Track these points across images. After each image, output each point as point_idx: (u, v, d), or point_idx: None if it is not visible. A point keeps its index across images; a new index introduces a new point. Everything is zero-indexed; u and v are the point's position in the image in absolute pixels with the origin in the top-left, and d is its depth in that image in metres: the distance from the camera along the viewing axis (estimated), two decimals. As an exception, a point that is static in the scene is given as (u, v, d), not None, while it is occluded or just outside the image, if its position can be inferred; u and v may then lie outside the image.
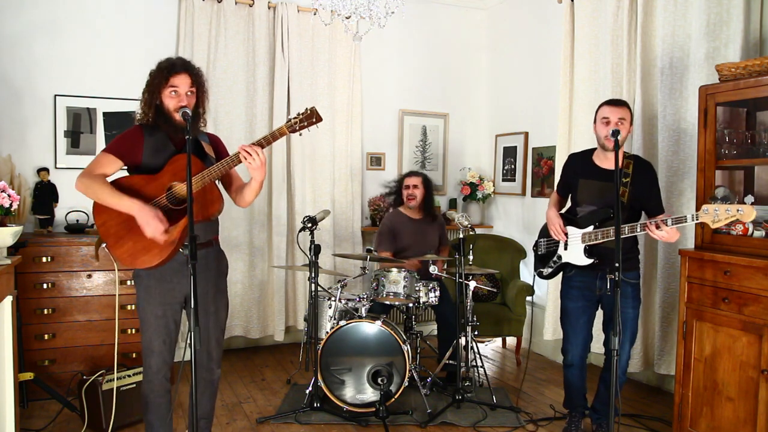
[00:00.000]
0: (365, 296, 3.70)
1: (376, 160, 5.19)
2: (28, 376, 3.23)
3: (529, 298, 4.54)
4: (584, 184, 3.09)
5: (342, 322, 3.45)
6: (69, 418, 3.37)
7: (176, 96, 2.35)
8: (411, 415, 3.45)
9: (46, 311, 3.63)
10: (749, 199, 2.65)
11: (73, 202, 3.97)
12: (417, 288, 3.70)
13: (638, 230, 2.77)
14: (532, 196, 4.96)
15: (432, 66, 5.35)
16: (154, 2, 4.34)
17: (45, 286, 3.63)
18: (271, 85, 4.61)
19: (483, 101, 5.56)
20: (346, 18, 3.32)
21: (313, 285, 3.50)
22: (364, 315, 3.57)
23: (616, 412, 2.56)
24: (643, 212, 3.03)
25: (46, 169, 4.00)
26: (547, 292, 4.36)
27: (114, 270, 3.65)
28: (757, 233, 2.82)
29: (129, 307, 3.76)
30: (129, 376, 3.29)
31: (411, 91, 5.29)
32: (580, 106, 4.17)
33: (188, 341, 2.00)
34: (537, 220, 4.76)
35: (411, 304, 3.80)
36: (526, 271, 4.90)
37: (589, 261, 2.99)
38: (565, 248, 3.11)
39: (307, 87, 4.73)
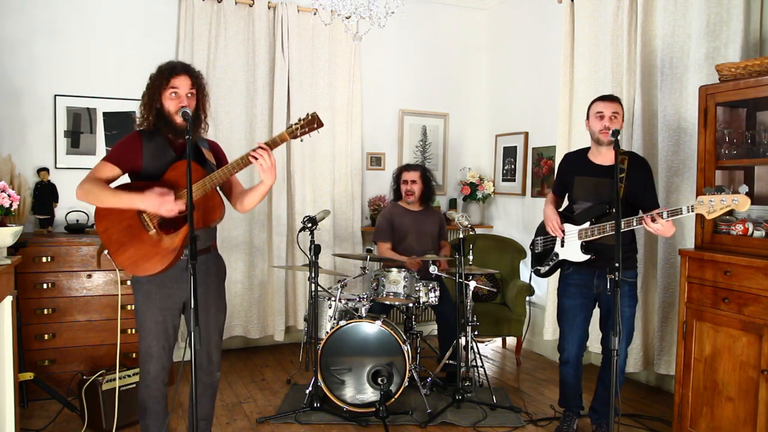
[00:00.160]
0: (365, 296, 3.70)
1: (376, 160, 5.19)
2: (28, 376, 3.23)
3: (528, 298, 4.54)
4: (579, 180, 3.10)
5: (342, 322, 3.45)
6: (69, 418, 3.37)
7: (176, 98, 2.35)
8: (411, 415, 3.45)
9: (46, 311, 3.63)
10: (743, 188, 2.65)
11: (73, 202, 3.97)
12: (417, 288, 3.70)
13: (634, 224, 2.77)
14: (532, 196, 4.96)
15: (432, 66, 5.35)
16: (154, 2, 4.34)
17: (45, 286, 3.64)
18: (271, 85, 4.61)
19: (483, 101, 5.56)
20: (346, 18, 3.32)
21: (313, 285, 3.50)
22: (364, 315, 3.57)
23: (615, 412, 2.56)
24: (640, 210, 3.03)
25: (46, 169, 4.00)
26: (547, 292, 4.36)
27: (114, 270, 3.65)
28: (757, 233, 2.82)
29: (129, 307, 3.76)
30: (129, 376, 3.29)
31: (411, 91, 5.29)
32: (580, 106, 4.17)
33: (188, 341, 2.00)
34: (537, 219, 4.73)
35: (411, 304, 3.80)
36: (526, 271, 4.90)
37: (586, 257, 3.00)
38: (562, 245, 3.12)
39: (307, 87, 4.73)
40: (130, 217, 2.33)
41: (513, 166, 5.18)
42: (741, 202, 2.47)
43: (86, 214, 4.05)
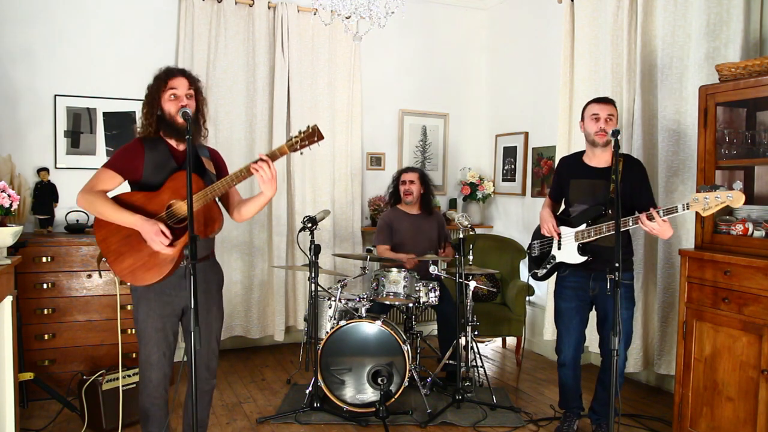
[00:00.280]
0: (365, 296, 3.70)
1: (376, 160, 5.19)
2: (28, 376, 3.23)
3: (528, 298, 4.54)
4: (575, 183, 3.11)
5: (342, 322, 3.45)
6: (69, 418, 3.37)
7: (176, 99, 2.35)
8: (411, 415, 3.45)
9: (46, 311, 3.63)
10: (737, 185, 2.66)
11: (73, 202, 3.93)
12: (417, 288, 3.70)
13: (630, 224, 2.78)
14: (532, 196, 4.96)
15: (432, 66, 5.35)
16: (154, 2, 4.34)
17: (45, 286, 3.63)
18: (271, 85, 4.61)
19: (483, 101, 5.56)
20: (346, 18, 3.32)
21: (313, 285, 3.50)
22: (363, 315, 3.57)
23: (615, 412, 2.56)
24: (636, 211, 3.03)
25: (46, 169, 3.99)
26: (547, 293, 4.36)
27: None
28: (757, 233, 2.82)
29: (129, 307, 3.75)
30: (129, 376, 3.29)
31: (411, 91, 5.29)
32: (579, 106, 4.12)
33: (187, 341, 2.00)
34: (537, 220, 4.70)
35: (411, 304, 3.80)
36: (527, 271, 4.90)
37: (583, 258, 3.00)
38: (559, 248, 3.12)
39: (307, 87, 4.73)
40: (128, 227, 2.33)
41: (513, 166, 5.18)
42: (735, 198, 2.49)
43: (86, 214, 4.05)
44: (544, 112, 4.78)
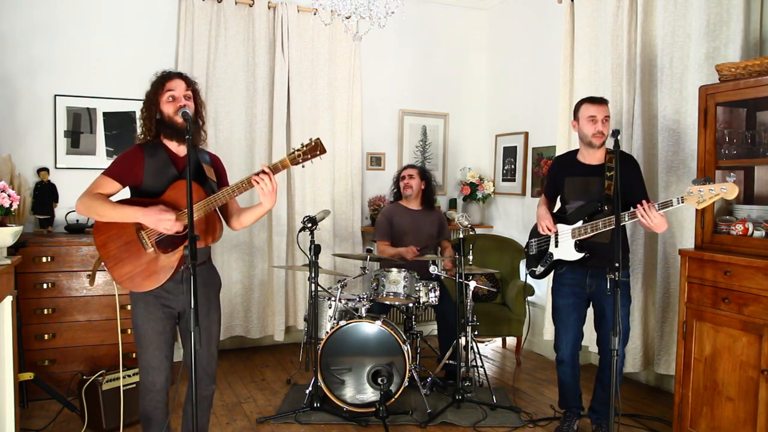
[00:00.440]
0: (365, 296, 3.70)
1: (376, 160, 5.19)
2: (28, 376, 3.24)
3: (528, 298, 4.54)
4: (570, 181, 3.14)
5: (342, 322, 3.45)
6: (69, 418, 3.37)
7: (174, 100, 2.35)
8: (411, 415, 3.45)
9: (46, 311, 3.63)
10: (731, 177, 2.68)
11: (73, 202, 3.95)
12: (417, 288, 3.70)
13: (626, 219, 2.81)
14: (532, 196, 4.96)
15: (432, 66, 5.35)
16: (154, 2, 4.34)
17: (45, 286, 3.63)
18: (271, 85, 4.60)
19: (483, 101, 5.56)
20: (346, 18, 3.32)
21: (313, 285, 3.50)
22: (363, 315, 3.57)
23: (615, 412, 2.56)
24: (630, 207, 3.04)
25: (46, 169, 3.99)
26: (547, 292, 4.35)
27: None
28: (757, 233, 2.82)
29: (128, 307, 3.74)
30: (129, 375, 3.29)
31: (411, 91, 5.29)
32: (580, 106, 4.17)
33: (190, 342, 2.00)
34: (535, 219, 4.76)
35: (411, 304, 3.80)
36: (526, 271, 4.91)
37: (580, 255, 3.01)
38: (556, 245, 3.13)
39: (307, 87, 4.73)
40: (128, 233, 2.34)
41: (513, 166, 5.18)
42: (729, 190, 2.52)
43: (86, 214, 4.05)
44: (544, 112, 4.78)
